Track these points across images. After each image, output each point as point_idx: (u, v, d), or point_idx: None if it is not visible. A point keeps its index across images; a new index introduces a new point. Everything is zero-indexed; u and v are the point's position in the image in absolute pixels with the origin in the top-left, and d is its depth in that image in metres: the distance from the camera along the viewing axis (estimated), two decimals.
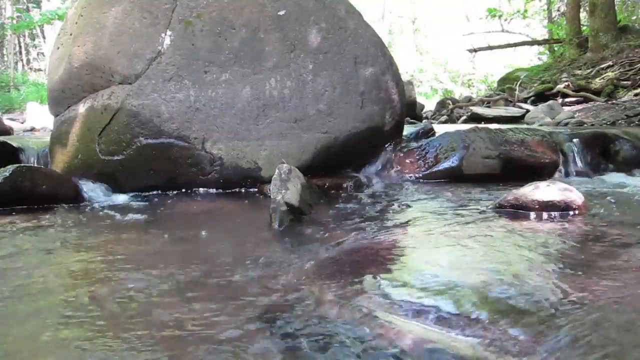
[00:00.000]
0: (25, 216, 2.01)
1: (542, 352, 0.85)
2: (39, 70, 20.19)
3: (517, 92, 9.78)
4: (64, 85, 2.71)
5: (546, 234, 1.62)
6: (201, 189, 2.55)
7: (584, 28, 12.11)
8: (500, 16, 16.28)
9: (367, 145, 2.77)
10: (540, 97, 9.27)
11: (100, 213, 2.10)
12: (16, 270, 1.35)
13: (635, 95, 7.63)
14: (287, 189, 1.87)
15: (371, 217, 1.92)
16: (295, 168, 2.08)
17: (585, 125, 5.91)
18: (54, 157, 2.79)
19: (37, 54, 21.38)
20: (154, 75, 2.48)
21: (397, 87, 2.92)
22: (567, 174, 2.91)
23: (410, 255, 1.52)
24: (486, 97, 11.09)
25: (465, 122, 8.06)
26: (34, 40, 21.41)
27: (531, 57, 16.92)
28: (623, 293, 1.10)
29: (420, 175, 2.81)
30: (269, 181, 2.11)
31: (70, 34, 2.71)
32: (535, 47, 15.91)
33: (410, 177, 2.82)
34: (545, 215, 1.84)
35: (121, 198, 2.44)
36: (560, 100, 8.55)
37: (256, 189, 2.54)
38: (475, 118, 7.99)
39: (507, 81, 11.61)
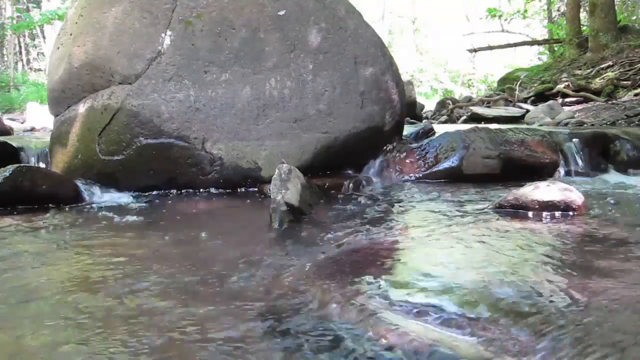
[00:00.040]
0: (25, 216, 2.01)
1: (542, 352, 0.85)
2: (39, 70, 20.19)
3: (517, 92, 9.78)
4: (64, 85, 2.71)
5: (546, 234, 1.62)
6: (201, 189, 2.55)
7: (584, 28, 12.11)
8: (500, 16, 16.27)
9: (367, 145, 2.77)
10: (540, 97, 9.27)
11: (100, 213, 2.10)
12: (14, 271, 1.35)
13: (635, 95, 7.63)
14: (287, 189, 1.87)
15: (371, 217, 1.92)
16: (295, 168, 2.08)
17: (585, 125, 5.90)
18: (54, 157, 2.79)
19: (37, 54, 21.38)
20: (154, 75, 2.48)
21: (397, 87, 2.92)
22: (567, 174, 2.91)
23: (410, 255, 1.52)
24: (486, 97, 11.09)
25: (465, 122, 8.06)
26: (34, 40, 21.41)
27: (531, 57, 16.92)
28: (623, 293, 1.10)
29: (420, 175, 2.81)
30: (269, 181, 2.11)
31: (70, 34, 2.71)
32: (535, 47, 15.91)
33: (410, 177, 2.81)
34: (545, 215, 1.84)
35: (121, 198, 2.44)
36: (560, 100, 8.55)
37: (256, 189, 2.54)
38: (475, 118, 7.98)
39: (507, 81, 11.61)
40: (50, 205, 2.19)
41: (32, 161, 2.97)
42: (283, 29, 2.61)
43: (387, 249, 1.52)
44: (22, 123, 8.60)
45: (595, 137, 3.14)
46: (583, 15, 12.80)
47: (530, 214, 1.86)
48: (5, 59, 19.69)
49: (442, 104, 10.59)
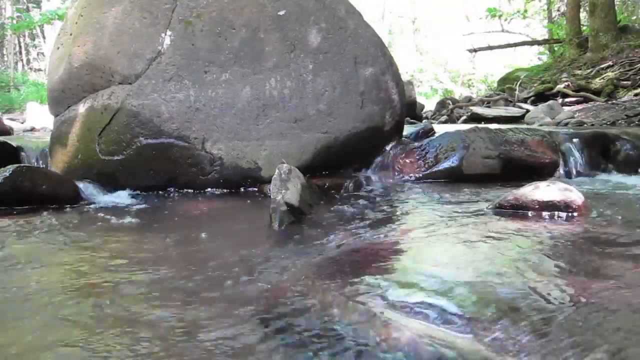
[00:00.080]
0: (25, 216, 2.01)
1: (542, 352, 0.85)
2: (39, 70, 20.19)
3: (517, 92, 9.78)
4: (64, 85, 2.71)
5: (546, 234, 1.62)
6: (201, 189, 2.55)
7: (584, 28, 12.11)
8: (500, 16, 16.28)
9: (367, 145, 2.77)
10: (540, 97, 9.27)
11: (100, 213, 2.10)
12: (13, 271, 1.35)
13: (635, 95, 7.63)
14: (287, 189, 1.87)
15: (371, 217, 1.92)
16: (295, 168, 2.08)
17: (585, 125, 5.91)
18: (54, 157, 2.79)
19: (37, 54, 21.38)
20: (154, 75, 2.48)
21: (397, 87, 2.92)
22: (567, 174, 2.91)
23: (410, 255, 1.52)
24: (486, 97, 11.09)
25: (465, 122, 8.06)
26: (34, 40, 21.41)
27: (531, 57, 16.92)
28: (623, 293, 1.10)
29: (420, 175, 2.81)
30: (269, 181, 2.11)
31: (70, 34, 2.71)
32: (535, 47, 15.91)
33: (410, 177, 2.82)
34: (545, 215, 1.84)
35: (121, 198, 2.44)
36: (560, 100, 8.55)
37: (256, 189, 2.54)
38: (475, 118, 7.99)
39: (507, 81, 11.62)
40: (50, 205, 2.19)
41: (32, 161, 2.97)
42: (283, 29, 2.61)
43: (387, 249, 1.52)
44: (22, 123, 8.60)
45: (595, 137, 3.14)
46: (583, 15, 12.80)
47: (530, 214, 1.86)
48: (5, 59, 19.69)
49: (442, 104, 10.59)
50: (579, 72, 10.00)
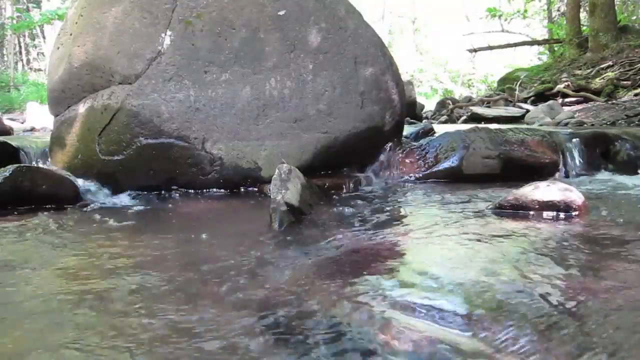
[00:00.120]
0: (25, 217, 2.01)
1: (542, 351, 0.85)
2: (39, 70, 20.19)
3: (517, 92, 9.78)
4: (64, 85, 2.71)
5: (546, 234, 1.62)
6: (201, 189, 2.55)
7: (584, 28, 12.11)
8: (500, 16, 16.28)
9: (367, 145, 2.77)
10: (540, 97, 9.28)
11: (100, 214, 2.10)
12: (11, 272, 1.35)
13: (635, 95, 7.63)
14: (287, 189, 1.87)
15: (371, 217, 1.92)
16: (295, 168, 2.08)
17: (585, 125, 5.91)
18: (54, 157, 2.79)
19: (37, 54, 21.38)
20: (154, 75, 2.48)
21: (397, 87, 2.92)
22: (567, 174, 2.91)
23: (410, 255, 1.52)
24: (486, 97, 11.09)
25: (465, 122, 8.06)
26: (34, 40, 21.41)
27: (531, 57, 16.92)
28: (623, 293, 1.10)
29: (420, 175, 2.81)
30: (269, 181, 2.11)
31: (70, 34, 2.71)
32: (535, 47, 15.91)
33: (410, 177, 2.82)
34: (545, 215, 1.84)
35: (121, 198, 2.44)
36: (560, 100, 8.55)
37: (256, 189, 2.54)
38: (475, 118, 7.99)
39: (507, 81, 11.62)
40: (50, 205, 2.19)
41: (33, 161, 2.97)
42: (283, 29, 2.61)
43: (387, 249, 1.52)
44: (22, 123, 8.60)
45: (595, 137, 3.14)
46: (583, 15, 12.80)
47: (530, 214, 1.87)
48: (5, 59, 19.69)
49: (442, 104, 10.59)
50: (579, 72, 10.00)
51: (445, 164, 2.78)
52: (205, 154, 2.48)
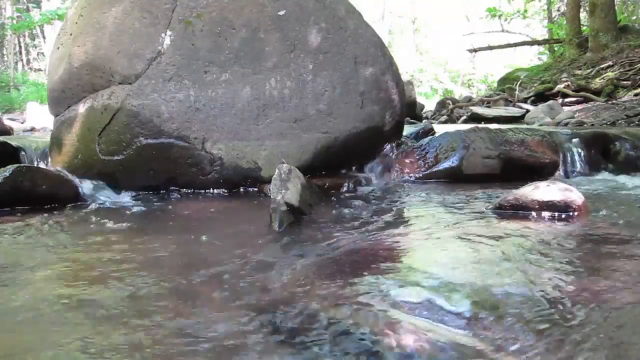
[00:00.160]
0: (25, 217, 2.01)
1: (541, 351, 0.85)
2: (39, 70, 20.19)
3: (517, 92, 9.78)
4: (64, 85, 2.71)
5: (546, 234, 1.62)
6: (201, 189, 2.55)
7: (584, 28, 12.11)
8: (500, 16, 16.28)
9: (367, 145, 2.77)
10: (540, 97, 9.28)
11: (100, 214, 2.10)
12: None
13: (635, 95, 7.63)
14: (287, 189, 1.87)
15: (371, 217, 1.92)
16: (295, 168, 2.07)
17: (585, 125, 5.91)
18: (54, 157, 2.79)
19: (37, 54, 21.38)
20: (154, 75, 2.48)
21: (397, 87, 2.92)
22: (567, 174, 2.91)
23: (410, 255, 1.52)
24: (486, 97, 11.09)
25: (465, 122, 8.06)
26: (34, 40, 21.41)
27: (531, 57, 16.92)
28: (623, 293, 1.10)
29: (420, 175, 2.81)
30: (269, 181, 2.11)
31: (70, 34, 2.71)
32: (535, 47, 15.91)
33: (410, 177, 2.82)
34: (545, 215, 1.84)
35: (121, 198, 2.44)
36: (560, 100, 8.55)
37: (256, 189, 2.54)
38: (475, 118, 7.99)
39: (507, 81, 11.62)
40: (50, 205, 2.19)
41: (33, 161, 2.97)
42: (283, 29, 2.61)
43: (387, 249, 1.52)
44: (22, 123, 8.60)
45: (595, 137, 3.14)
46: (583, 15, 12.80)
47: (530, 214, 1.86)
48: (5, 59, 19.69)
49: (442, 104, 10.59)
50: (579, 72, 10.00)
51: (445, 164, 2.78)
52: (205, 154, 2.48)
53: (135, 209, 2.19)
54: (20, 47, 20.84)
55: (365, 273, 1.26)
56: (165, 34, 2.50)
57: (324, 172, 2.62)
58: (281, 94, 2.55)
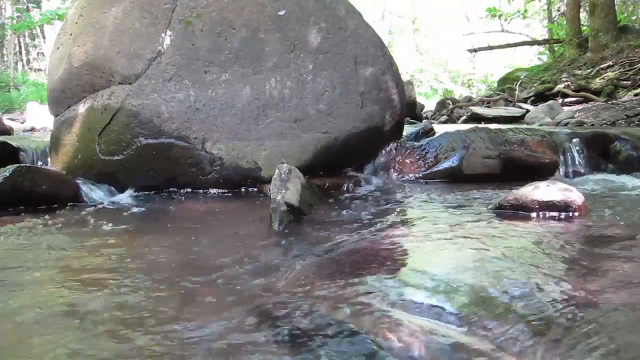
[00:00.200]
0: (24, 217, 2.01)
1: (541, 351, 0.85)
2: (39, 70, 20.18)
3: (517, 92, 9.78)
4: (64, 85, 2.71)
5: (546, 234, 1.62)
6: (201, 189, 2.55)
7: (584, 28, 12.11)
8: (500, 16, 16.27)
9: (367, 145, 2.77)
10: (540, 97, 9.28)
11: (100, 214, 2.10)
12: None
13: (635, 95, 7.63)
14: (287, 189, 1.87)
15: (371, 218, 1.92)
16: (295, 168, 2.07)
17: (585, 125, 5.91)
18: (54, 157, 2.78)
19: (37, 54, 21.37)
20: (154, 75, 2.48)
21: (397, 87, 2.92)
22: (567, 174, 2.91)
23: (411, 255, 1.52)
24: (486, 97, 11.09)
25: (465, 122, 8.06)
26: (34, 40, 21.40)
27: (531, 57, 16.92)
28: (623, 293, 1.10)
29: (420, 175, 2.81)
30: (269, 181, 2.11)
31: (70, 34, 2.71)
32: (535, 47, 15.91)
33: (410, 177, 2.82)
34: (545, 215, 1.84)
35: (121, 198, 2.44)
36: (560, 100, 8.55)
37: (256, 189, 2.54)
38: (475, 118, 7.99)
39: (507, 81, 11.62)
40: (50, 205, 2.19)
41: (33, 161, 2.97)
42: (283, 29, 2.61)
43: (387, 249, 1.52)
44: (22, 123, 8.59)
45: (595, 137, 3.14)
46: (583, 15, 12.80)
47: (530, 214, 1.86)
48: (5, 59, 19.69)
49: (442, 104, 10.59)
50: (579, 72, 10.00)
51: (445, 164, 2.78)
52: (205, 154, 2.48)
53: (135, 209, 2.19)
54: (20, 47, 20.83)
55: (365, 273, 1.26)
56: (165, 34, 2.50)
57: (324, 172, 2.62)
58: (281, 94, 2.55)
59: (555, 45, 13.88)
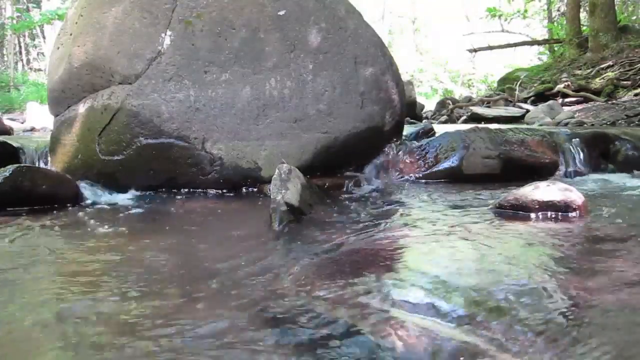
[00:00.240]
0: (23, 217, 2.01)
1: (541, 351, 0.85)
2: (39, 70, 20.18)
3: (517, 92, 9.78)
4: (64, 85, 2.71)
5: (546, 234, 1.62)
6: (201, 189, 2.55)
7: (584, 28, 12.11)
8: (500, 16, 16.27)
9: (367, 145, 2.77)
10: (540, 97, 9.28)
11: (100, 214, 2.10)
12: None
13: (635, 95, 7.63)
14: (287, 189, 1.87)
15: (371, 218, 1.92)
16: (295, 168, 2.07)
17: (585, 125, 5.91)
18: (54, 157, 2.78)
19: (37, 54, 21.37)
20: (154, 75, 2.48)
21: (397, 87, 2.92)
22: (567, 174, 2.91)
23: (410, 255, 1.52)
24: (486, 97, 11.09)
25: (465, 122, 8.06)
26: (34, 40, 21.40)
27: (531, 57, 16.92)
28: (623, 293, 1.10)
29: (420, 175, 2.81)
30: (269, 181, 2.11)
31: (70, 34, 2.71)
32: (535, 47, 15.91)
33: (410, 177, 2.82)
34: (545, 215, 1.84)
35: (121, 198, 2.44)
36: (560, 100, 8.55)
37: (256, 189, 2.54)
38: (475, 118, 7.99)
39: (507, 81, 11.62)
40: (50, 205, 2.19)
41: (33, 161, 2.96)
42: (283, 29, 2.61)
43: (387, 249, 1.52)
44: (22, 123, 8.59)
45: (595, 137, 3.14)
46: (583, 15, 12.80)
47: (530, 214, 1.86)
48: (5, 59, 19.69)
49: (442, 104, 10.60)
50: (579, 72, 10.00)
51: (445, 164, 2.78)
52: (205, 154, 2.48)
53: (134, 209, 2.19)
54: (20, 47, 20.83)
55: (365, 273, 1.26)
56: (165, 34, 2.50)
57: (324, 172, 2.62)
58: (281, 94, 2.55)
59: (555, 45, 13.88)
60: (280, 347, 0.88)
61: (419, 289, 1.14)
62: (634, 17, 13.39)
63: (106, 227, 1.84)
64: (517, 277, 1.20)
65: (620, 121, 6.06)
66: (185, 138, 2.46)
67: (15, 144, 3.02)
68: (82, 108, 2.64)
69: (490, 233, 1.63)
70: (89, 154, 2.56)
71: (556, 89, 9.18)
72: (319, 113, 2.58)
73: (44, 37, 20.24)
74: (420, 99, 11.05)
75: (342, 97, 2.63)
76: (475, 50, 15.08)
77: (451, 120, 9.02)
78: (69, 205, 2.24)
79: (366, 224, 1.81)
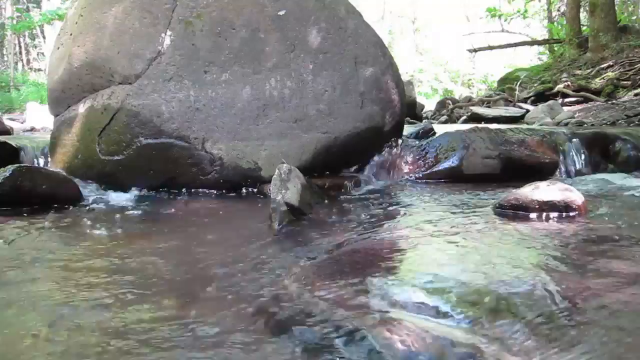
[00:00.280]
0: (23, 217, 2.01)
1: (541, 350, 0.85)
2: (39, 70, 20.17)
3: (517, 92, 9.78)
4: (64, 85, 2.71)
5: (546, 234, 1.62)
6: (201, 189, 2.55)
7: (584, 28, 12.11)
8: (500, 16, 16.26)
9: (367, 145, 2.77)
10: (540, 97, 9.27)
11: (100, 214, 2.10)
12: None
13: (635, 95, 7.63)
14: (287, 189, 1.87)
15: (371, 218, 1.92)
16: (295, 168, 2.07)
17: (585, 125, 5.91)
18: (54, 157, 2.79)
19: (37, 54, 21.37)
20: (154, 75, 2.48)
21: (397, 87, 2.92)
22: (567, 174, 2.91)
23: (410, 255, 1.52)
24: (486, 97, 11.08)
25: (465, 122, 8.06)
26: (34, 40, 21.40)
27: (531, 57, 16.92)
28: (623, 293, 1.10)
29: (420, 175, 2.81)
30: (269, 181, 2.11)
31: (70, 34, 2.71)
32: (535, 47, 15.91)
33: (410, 177, 2.82)
34: (545, 215, 1.84)
35: (121, 198, 2.44)
36: (560, 100, 8.55)
37: (256, 189, 2.54)
38: (475, 118, 7.99)
39: (507, 81, 11.62)
40: (50, 205, 2.19)
41: (33, 161, 2.97)
42: (283, 29, 2.61)
43: (387, 249, 1.52)
44: (22, 123, 8.58)
45: (595, 137, 3.15)
46: (583, 15, 12.80)
47: (530, 214, 1.86)
48: (5, 59, 19.69)
49: (442, 104, 10.60)
50: (579, 72, 10.00)
51: (445, 164, 2.78)
52: (205, 154, 2.48)
53: (134, 209, 2.19)
54: (20, 47, 20.83)
55: (365, 273, 1.26)
56: (165, 34, 2.50)
57: (324, 172, 2.62)
58: (281, 94, 2.55)
59: (555, 45, 13.88)
60: (280, 348, 0.88)
61: (419, 289, 1.14)
62: (634, 17, 13.38)
63: (106, 227, 1.84)
64: (517, 277, 1.20)
65: (620, 121, 6.05)
66: (185, 138, 2.46)
67: (15, 144, 3.02)
68: (82, 108, 2.64)
69: (490, 233, 1.63)
70: (89, 154, 2.56)
71: (556, 89, 9.18)
72: (319, 113, 2.59)
73: (44, 37, 20.24)
74: (420, 99, 11.05)
75: (342, 97, 2.63)
76: (475, 50, 15.08)
77: (451, 120, 9.02)
78: (69, 205, 2.23)
79: (366, 224, 1.81)
